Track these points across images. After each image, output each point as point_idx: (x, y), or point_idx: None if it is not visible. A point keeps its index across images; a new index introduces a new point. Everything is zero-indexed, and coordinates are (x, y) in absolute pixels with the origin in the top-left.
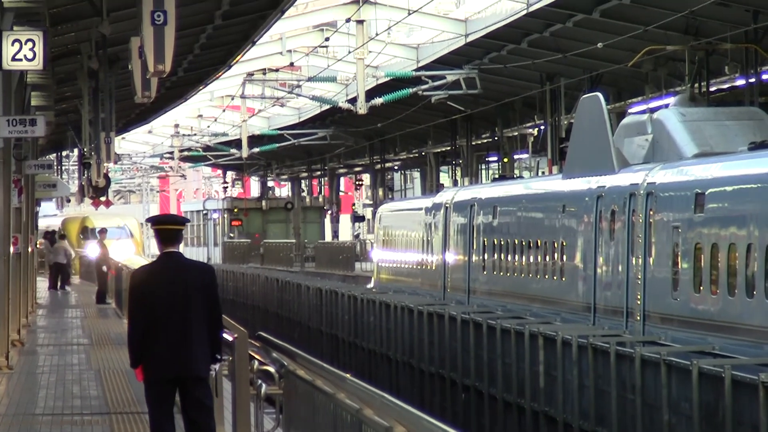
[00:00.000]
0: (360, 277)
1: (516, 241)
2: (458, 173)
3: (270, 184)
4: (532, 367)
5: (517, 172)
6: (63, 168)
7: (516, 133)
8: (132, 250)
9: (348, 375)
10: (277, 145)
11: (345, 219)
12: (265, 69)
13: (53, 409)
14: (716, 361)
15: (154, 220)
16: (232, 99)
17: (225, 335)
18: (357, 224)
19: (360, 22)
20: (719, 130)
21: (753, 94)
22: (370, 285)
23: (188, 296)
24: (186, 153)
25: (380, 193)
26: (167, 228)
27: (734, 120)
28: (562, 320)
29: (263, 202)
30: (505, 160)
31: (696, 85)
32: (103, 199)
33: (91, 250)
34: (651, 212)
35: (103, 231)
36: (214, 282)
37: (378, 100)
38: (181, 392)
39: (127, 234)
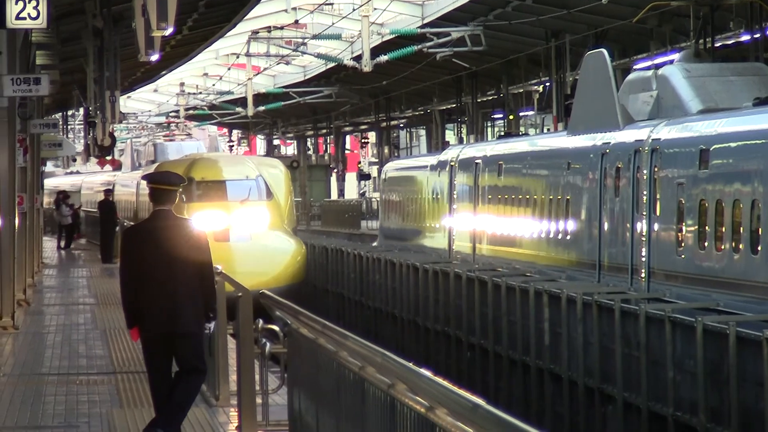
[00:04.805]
0: (366, 236)
1: (521, 198)
2: (464, 131)
3: (276, 142)
4: (537, 325)
5: (522, 129)
6: (69, 127)
7: (521, 90)
8: (266, 220)
9: (350, 334)
10: (283, 103)
11: (351, 177)
12: (270, 27)
13: (59, 369)
14: (721, 317)
15: (149, 179)
16: (237, 57)
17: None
18: (363, 182)
19: None
20: (724, 86)
21: (758, 49)
22: (376, 243)
23: (175, 253)
24: (191, 112)
25: (386, 151)
26: (161, 188)
27: (739, 76)
28: (567, 278)
29: None
30: (511, 117)
31: (701, 41)
32: (108, 158)
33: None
34: (656, 169)
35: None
36: (203, 239)
37: (383, 58)
38: (173, 350)
39: (259, 192)
